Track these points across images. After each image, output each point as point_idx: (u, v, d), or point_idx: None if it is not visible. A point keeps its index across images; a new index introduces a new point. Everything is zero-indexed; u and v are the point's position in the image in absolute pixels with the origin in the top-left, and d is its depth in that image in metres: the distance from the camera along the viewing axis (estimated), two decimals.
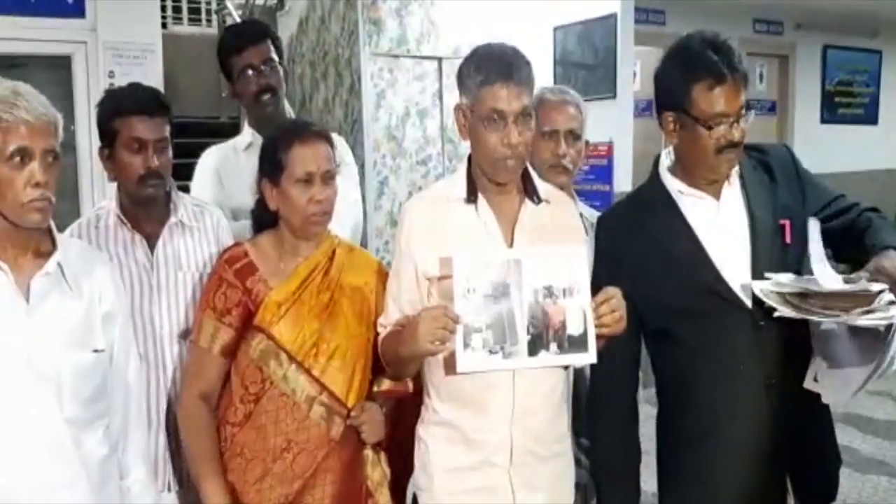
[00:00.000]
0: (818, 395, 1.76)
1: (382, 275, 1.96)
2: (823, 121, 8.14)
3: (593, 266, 1.89)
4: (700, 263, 1.79)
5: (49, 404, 1.65)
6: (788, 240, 1.82)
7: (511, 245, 1.73)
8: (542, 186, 1.83)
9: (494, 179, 1.74)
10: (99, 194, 3.82)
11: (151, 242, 2.09)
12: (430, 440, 1.80)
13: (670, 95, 1.78)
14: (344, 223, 2.36)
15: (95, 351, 1.73)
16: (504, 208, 1.76)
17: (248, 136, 2.52)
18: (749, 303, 1.77)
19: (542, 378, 1.74)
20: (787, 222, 1.82)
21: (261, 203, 1.92)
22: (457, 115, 1.74)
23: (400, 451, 1.95)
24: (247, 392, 1.84)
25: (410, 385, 1.93)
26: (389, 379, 1.90)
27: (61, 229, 1.96)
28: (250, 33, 2.54)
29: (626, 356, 1.89)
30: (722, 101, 1.71)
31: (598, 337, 1.62)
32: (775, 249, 1.80)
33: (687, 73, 1.74)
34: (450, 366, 1.67)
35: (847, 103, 8.33)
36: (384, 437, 1.94)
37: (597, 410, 1.97)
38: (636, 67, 6.61)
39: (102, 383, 1.75)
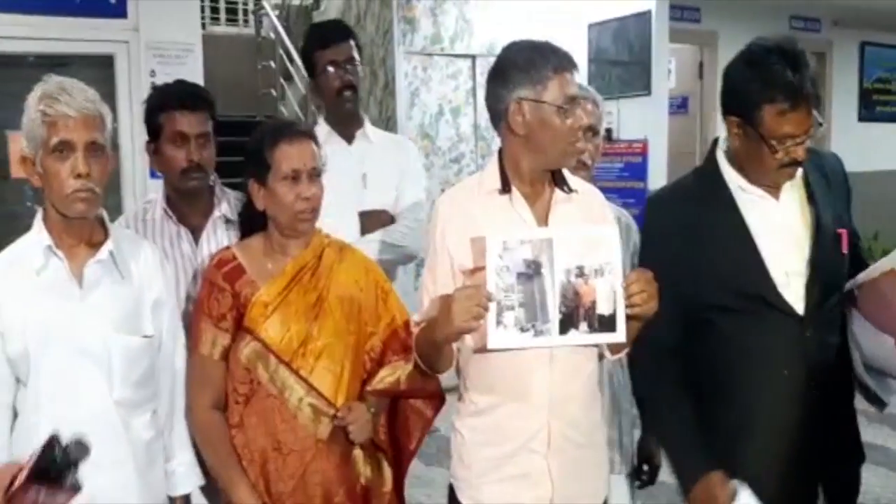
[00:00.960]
0: (853, 397, 1.74)
1: (373, 273, 1.96)
2: (861, 118, 8.03)
3: (640, 247, 1.91)
4: (754, 271, 1.75)
5: (100, 386, 1.72)
6: (845, 250, 1.78)
7: None
8: (571, 178, 1.84)
9: (561, 165, 1.76)
10: (140, 189, 3.90)
11: (196, 235, 2.15)
12: (467, 431, 1.81)
13: (738, 103, 1.74)
14: (402, 235, 2.45)
15: (144, 336, 1.80)
16: (536, 199, 1.77)
17: (323, 131, 2.54)
18: (801, 310, 1.74)
19: (579, 364, 1.76)
20: (844, 231, 1.79)
21: (248, 206, 1.91)
22: (514, 109, 1.69)
23: (399, 448, 1.97)
24: (237, 394, 1.84)
25: (404, 381, 1.90)
26: (423, 375, 1.88)
27: None
28: (336, 31, 2.61)
29: (667, 340, 1.83)
30: (792, 124, 1.68)
31: (630, 318, 1.63)
32: (835, 258, 1.77)
33: (761, 89, 1.68)
34: (481, 346, 1.68)
35: (885, 101, 8.21)
36: (384, 439, 1.95)
37: (657, 412, 1.93)
38: (671, 65, 6.58)
39: (151, 368, 1.82)
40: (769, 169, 1.74)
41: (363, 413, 1.84)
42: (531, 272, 1.61)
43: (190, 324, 1.92)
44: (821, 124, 1.73)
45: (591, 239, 1.63)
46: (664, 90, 5.56)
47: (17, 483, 1.31)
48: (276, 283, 1.84)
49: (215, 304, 1.85)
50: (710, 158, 1.88)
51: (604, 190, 2.11)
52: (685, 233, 1.82)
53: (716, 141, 1.88)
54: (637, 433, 2.38)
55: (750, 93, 1.70)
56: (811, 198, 1.80)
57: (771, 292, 1.75)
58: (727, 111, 1.77)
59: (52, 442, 1.34)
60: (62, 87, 1.66)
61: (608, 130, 5.37)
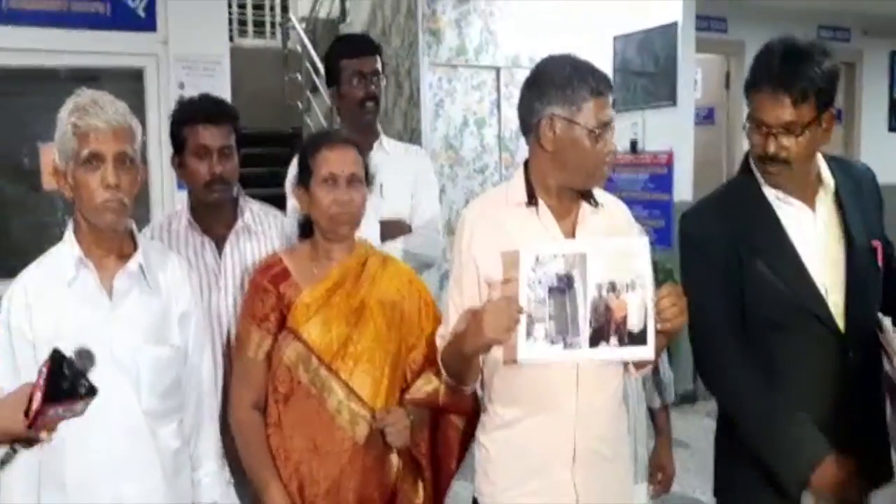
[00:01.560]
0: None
1: (416, 284, 1.99)
2: (892, 129, 7.90)
3: (684, 259, 1.90)
4: (800, 282, 1.73)
5: (128, 396, 1.74)
6: (880, 262, 1.76)
7: None
8: (596, 191, 1.83)
9: (585, 187, 1.75)
10: (169, 202, 3.93)
11: (219, 246, 2.18)
12: (492, 445, 1.80)
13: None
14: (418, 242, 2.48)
15: (172, 347, 1.82)
16: (562, 212, 1.77)
17: None
18: (842, 326, 1.71)
19: (605, 378, 1.75)
20: (877, 243, 1.76)
21: (304, 214, 1.98)
22: (545, 123, 1.69)
23: (440, 467, 1.97)
24: (277, 393, 1.87)
25: (443, 395, 1.90)
26: (449, 388, 1.89)
27: None
28: (365, 44, 2.70)
29: (731, 328, 1.79)
30: (762, 111, 1.70)
31: (658, 332, 1.61)
32: (870, 272, 1.74)
33: (748, 78, 1.75)
34: (510, 359, 1.68)
35: None
36: (421, 452, 1.94)
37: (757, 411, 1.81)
38: (697, 75, 6.53)
39: (178, 378, 1.84)
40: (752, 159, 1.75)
41: (402, 417, 1.86)
42: (563, 286, 1.60)
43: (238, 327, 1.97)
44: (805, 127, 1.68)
45: (623, 252, 1.62)
46: (690, 101, 5.51)
47: (34, 405, 1.36)
48: (320, 286, 1.89)
49: (259, 306, 1.90)
50: (745, 169, 1.86)
51: (629, 202, 2.10)
52: (730, 244, 1.80)
53: (749, 152, 1.86)
54: (651, 442, 2.38)
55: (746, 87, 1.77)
56: (841, 209, 1.78)
57: (816, 304, 1.72)
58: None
59: (57, 357, 1.37)
60: (93, 100, 1.70)
61: (633, 142, 5.34)
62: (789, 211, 1.78)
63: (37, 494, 1.74)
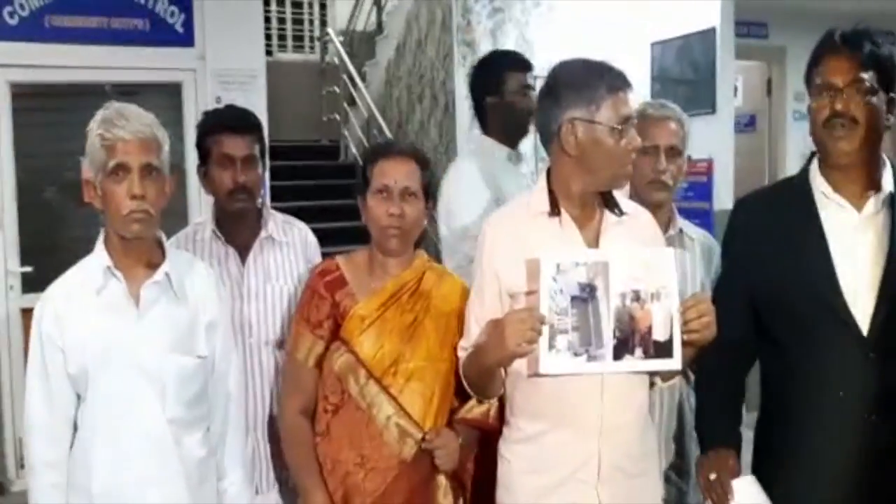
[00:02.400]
0: None
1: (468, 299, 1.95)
2: None
3: (722, 249, 1.90)
4: (824, 277, 1.69)
5: (153, 404, 1.76)
6: None
7: None
8: (622, 200, 1.80)
9: (612, 187, 1.73)
10: (206, 211, 3.97)
11: (243, 255, 2.20)
12: (513, 458, 1.77)
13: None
14: None
15: (198, 357, 1.83)
16: (586, 222, 1.73)
17: (487, 142, 2.64)
18: (865, 330, 1.67)
19: (631, 391, 1.71)
20: None
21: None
22: (566, 129, 1.66)
23: (483, 491, 1.91)
24: (327, 402, 1.85)
25: (493, 416, 1.87)
26: (476, 402, 1.87)
27: None
28: (527, 61, 2.75)
29: (734, 342, 1.78)
30: (833, 71, 1.68)
31: (686, 344, 1.57)
32: None
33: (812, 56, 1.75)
34: (532, 371, 1.65)
35: None
36: (467, 473, 1.91)
37: (701, 384, 1.95)
38: (738, 82, 6.43)
39: (204, 388, 1.85)
40: (817, 128, 1.72)
41: (452, 440, 1.83)
42: (586, 295, 1.57)
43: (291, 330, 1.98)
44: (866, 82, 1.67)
45: (647, 262, 1.58)
46: (730, 108, 5.42)
47: None
48: (376, 299, 1.86)
49: (314, 311, 1.89)
50: (805, 166, 1.84)
51: None
52: (765, 235, 1.79)
53: (813, 154, 1.81)
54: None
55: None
56: (893, 217, 1.72)
57: (837, 301, 1.68)
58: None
59: None
60: (120, 113, 1.72)
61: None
62: (832, 208, 1.74)
63: (65, 501, 1.77)
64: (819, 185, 1.76)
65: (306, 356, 1.89)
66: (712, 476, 1.75)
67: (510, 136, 2.65)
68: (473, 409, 1.88)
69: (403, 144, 2.02)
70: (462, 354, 1.80)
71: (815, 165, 1.79)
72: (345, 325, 1.85)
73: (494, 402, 1.86)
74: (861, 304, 1.68)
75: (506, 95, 2.63)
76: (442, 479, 1.88)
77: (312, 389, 1.89)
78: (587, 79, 1.66)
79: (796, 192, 1.79)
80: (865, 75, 1.66)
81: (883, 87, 1.68)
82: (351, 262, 1.94)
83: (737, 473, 1.77)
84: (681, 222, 2.22)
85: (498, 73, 2.67)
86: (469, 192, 2.51)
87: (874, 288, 1.68)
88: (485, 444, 1.92)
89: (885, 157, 1.76)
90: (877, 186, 1.73)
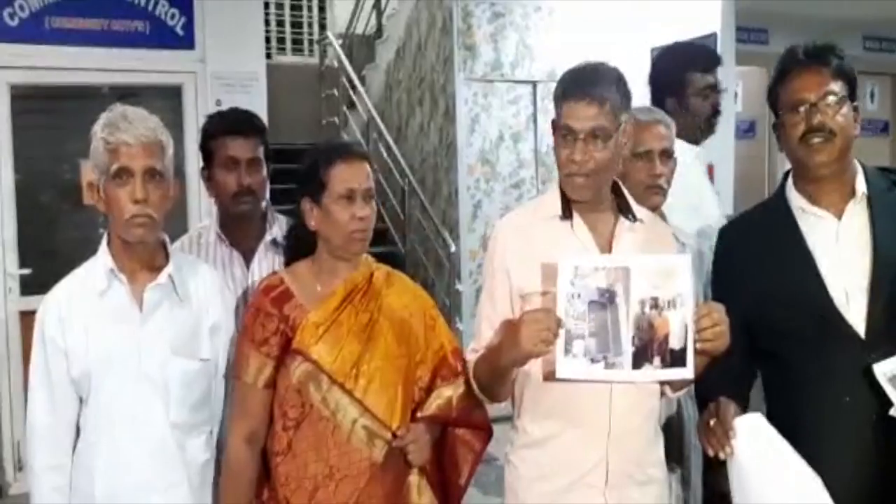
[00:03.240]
0: None
1: (421, 299, 1.93)
2: None
3: (711, 278, 1.88)
4: (813, 288, 1.71)
5: (156, 408, 1.75)
6: None
7: None
8: (635, 207, 1.79)
9: (569, 195, 1.72)
10: (206, 215, 3.97)
11: (248, 259, 2.18)
12: (521, 463, 1.76)
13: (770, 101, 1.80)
14: None
15: (202, 360, 1.82)
16: (598, 226, 1.73)
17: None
18: (863, 333, 1.68)
19: (640, 399, 1.70)
20: None
21: (294, 230, 1.91)
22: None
23: (450, 488, 1.91)
24: (287, 419, 1.78)
25: (456, 405, 1.86)
26: (474, 402, 1.85)
27: None
28: (711, 57, 2.73)
29: (732, 370, 1.78)
30: (804, 86, 1.72)
31: (699, 353, 1.55)
32: None
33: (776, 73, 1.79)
34: (548, 375, 1.64)
35: None
36: (431, 470, 1.89)
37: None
38: (738, 88, 6.42)
39: (207, 391, 1.84)
40: (793, 144, 1.75)
41: (423, 433, 1.81)
42: (604, 301, 1.55)
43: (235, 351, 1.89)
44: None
45: (665, 268, 1.56)
46: (730, 114, 5.42)
47: None
48: (328, 304, 1.81)
49: (260, 329, 1.81)
50: (781, 184, 1.86)
51: None
52: (751, 259, 1.80)
53: (789, 170, 1.84)
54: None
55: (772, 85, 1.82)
56: (872, 217, 1.75)
57: (829, 310, 1.69)
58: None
59: None
60: (124, 116, 1.71)
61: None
62: (812, 221, 1.77)
63: None
64: (795, 200, 1.79)
65: (255, 378, 1.80)
66: (712, 422, 1.68)
67: (695, 137, 2.58)
68: (433, 403, 1.86)
69: (354, 145, 1.95)
70: (472, 357, 1.79)
71: (789, 182, 1.83)
72: (298, 335, 1.79)
73: (456, 391, 1.84)
74: (855, 307, 1.70)
75: (687, 98, 2.58)
76: (414, 478, 1.85)
77: (261, 413, 1.81)
78: (559, 84, 1.72)
79: (775, 211, 1.83)
80: (835, 87, 1.71)
81: (850, 98, 1.73)
82: (294, 274, 1.87)
83: (738, 412, 1.69)
84: (673, 226, 2.22)
85: (678, 73, 2.62)
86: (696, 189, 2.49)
87: (866, 290, 1.70)
88: (442, 444, 1.92)
89: (855, 162, 1.80)
90: (852, 192, 1.77)
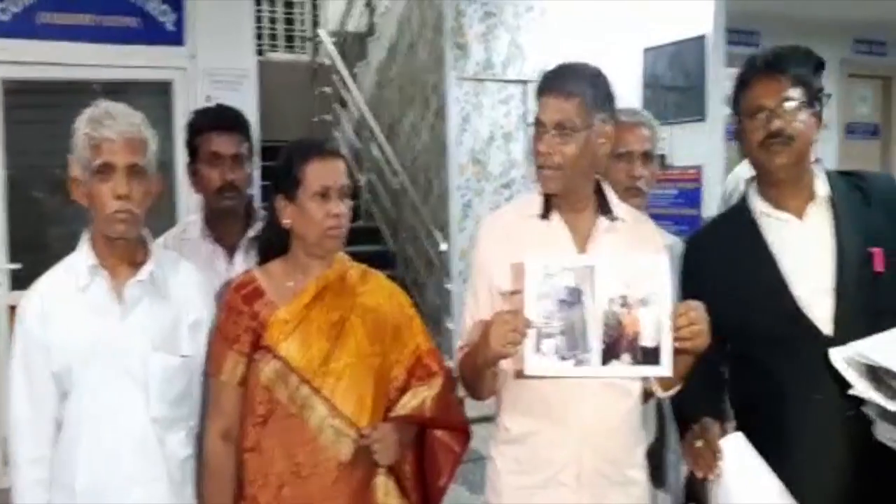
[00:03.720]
0: None
1: (397, 297, 1.93)
2: None
3: (681, 286, 1.87)
4: (777, 290, 1.74)
5: (136, 403, 1.76)
6: (880, 268, 1.74)
7: None
8: (619, 206, 1.81)
9: (541, 184, 1.74)
10: (195, 211, 3.95)
11: (231, 255, 2.20)
12: (500, 458, 1.79)
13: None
14: None
15: (182, 356, 1.82)
16: (578, 225, 1.75)
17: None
18: (830, 332, 1.71)
19: (615, 399, 1.72)
20: (878, 250, 1.75)
21: (268, 229, 1.90)
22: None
23: (428, 487, 1.90)
24: (255, 415, 1.78)
25: (430, 407, 1.85)
26: (450, 402, 1.86)
27: None
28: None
29: (705, 376, 1.80)
30: (763, 94, 1.75)
31: (679, 352, 1.57)
32: (863, 278, 1.73)
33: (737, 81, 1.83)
34: (518, 373, 1.66)
35: None
36: (411, 477, 1.88)
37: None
38: (728, 90, 6.45)
39: (188, 387, 1.84)
40: (753, 148, 1.79)
41: (389, 433, 1.79)
42: (573, 300, 1.57)
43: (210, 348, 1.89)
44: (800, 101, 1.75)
45: (636, 267, 1.58)
46: (720, 116, 5.44)
47: None
48: (298, 301, 1.81)
49: (232, 327, 1.81)
50: (745, 192, 1.90)
51: (657, 217, 2.06)
52: (717, 266, 1.83)
53: (753, 177, 1.88)
54: (684, 469, 2.30)
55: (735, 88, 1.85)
56: (836, 217, 1.79)
57: (795, 310, 1.72)
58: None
59: None
60: (107, 112, 1.72)
61: (662, 157, 5.27)
62: (774, 224, 1.80)
63: (48, 499, 1.76)
64: (758, 205, 1.82)
65: (230, 376, 1.81)
66: (698, 444, 1.70)
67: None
68: (408, 404, 1.85)
69: (329, 143, 1.94)
70: (459, 354, 1.81)
71: (752, 189, 1.86)
72: (267, 332, 1.79)
73: (431, 392, 1.84)
74: (822, 307, 1.72)
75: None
76: (381, 479, 1.84)
77: (235, 410, 1.81)
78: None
79: (737, 218, 1.87)
80: (793, 93, 1.74)
81: (809, 104, 1.75)
82: (267, 272, 1.87)
83: (723, 432, 1.72)
84: (658, 227, 2.23)
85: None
86: None
87: (831, 290, 1.73)
88: (421, 445, 1.91)
89: (813, 165, 1.83)
90: (813, 194, 1.80)
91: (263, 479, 1.77)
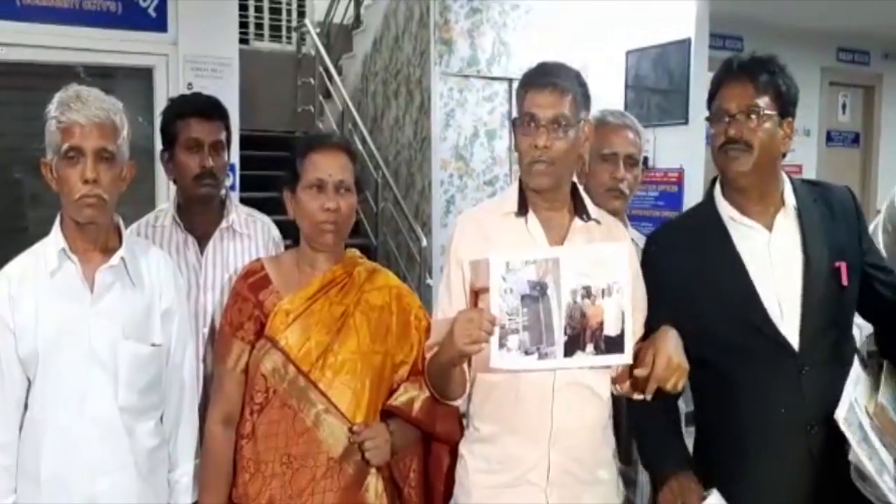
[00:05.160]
0: None
1: (407, 298, 1.92)
2: None
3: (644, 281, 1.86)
4: (747, 300, 1.73)
5: (105, 391, 1.74)
6: (845, 282, 1.75)
7: None
8: (593, 208, 1.81)
9: (528, 185, 1.73)
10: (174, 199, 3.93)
11: (202, 244, 2.18)
12: (470, 457, 1.79)
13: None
14: None
15: (153, 344, 1.80)
16: (553, 224, 1.75)
17: None
18: (796, 345, 1.71)
19: (583, 400, 1.72)
20: (843, 264, 1.75)
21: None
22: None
23: (433, 497, 1.89)
24: (253, 403, 1.79)
25: (418, 408, 1.83)
26: (438, 405, 1.83)
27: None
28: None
29: (667, 417, 1.83)
30: (727, 97, 1.73)
31: (660, 391, 1.58)
32: (829, 292, 1.74)
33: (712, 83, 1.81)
34: (482, 367, 1.66)
35: None
36: (405, 474, 1.87)
37: (636, 427, 1.91)
38: None
39: (157, 376, 1.83)
40: (714, 151, 1.78)
41: (382, 432, 1.77)
42: (536, 294, 1.57)
43: (218, 334, 1.91)
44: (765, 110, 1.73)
45: (597, 257, 1.59)
46: (702, 119, 5.48)
47: None
48: (302, 293, 1.82)
49: (237, 314, 1.83)
50: (709, 193, 1.87)
51: (638, 218, 2.05)
52: (683, 265, 1.81)
53: (715, 178, 1.86)
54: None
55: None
56: (802, 229, 1.78)
57: (764, 322, 1.72)
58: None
59: None
60: (77, 96, 1.70)
61: (644, 159, 5.29)
62: (743, 231, 1.78)
63: (14, 489, 1.74)
64: (725, 209, 1.80)
65: (235, 364, 1.82)
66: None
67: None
68: (398, 398, 1.84)
69: (335, 136, 1.91)
70: (428, 354, 1.80)
71: (717, 191, 1.84)
72: (270, 322, 1.80)
73: (420, 394, 1.83)
74: (789, 319, 1.72)
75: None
76: (373, 479, 1.82)
77: (237, 397, 1.83)
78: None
79: (704, 219, 1.84)
80: (760, 101, 1.72)
81: (779, 112, 1.73)
82: (276, 262, 1.89)
83: (702, 496, 1.71)
84: (632, 231, 2.23)
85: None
86: None
87: (798, 302, 1.73)
88: (427, 453, 1.90)
89: (783, 174, 1.83)
90: (781, 203, 1.79)
91: (255, 468, 1.77)
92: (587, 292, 1.56)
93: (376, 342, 1.83)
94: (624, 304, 1.56)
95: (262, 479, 1.77)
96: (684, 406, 2.30)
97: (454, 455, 1.86)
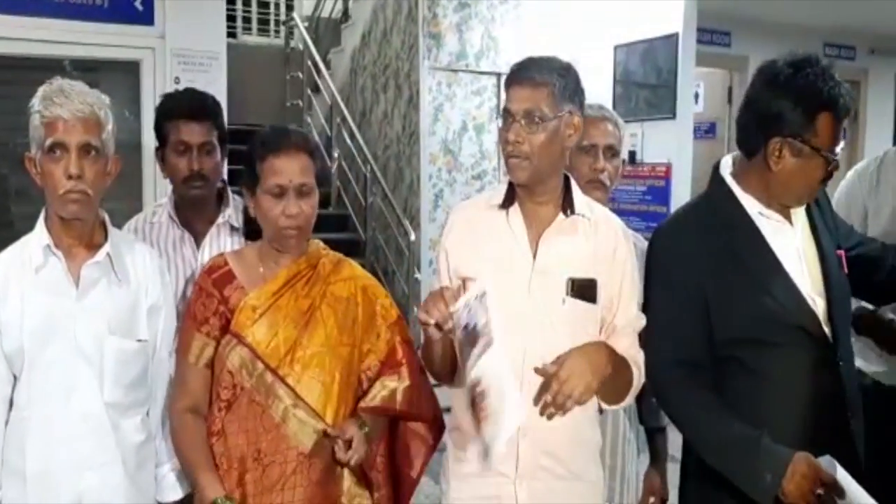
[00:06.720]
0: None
1: (372, 289, 1.90)
2: None
3: (651, 275, 1.82)
4: (790, 296, 1.70)
5: (91, 386, 1.73)
6: (846, 270, 1.77)
7: (535, 253, 1.72)
8: (585, 204, 1.80)
9: (510, 178, 1.75)
10: (161, 194, 3.91)
11: (199, 241, 2.17)
12: (450, 445, 1.83)
13: (782, 123, 1.68)
14: None
15: (139, 340, 1.80)
16: (537, 218, 1.75)
17: None
18: (830, 336, 1.70)
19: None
20: (841, 252, 1.78)
21: (247, 211, 1.86)
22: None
23: (399, 479, 1.90)
24: (220, 400, 1.76)
25: (401, 399, 1.83)
26: (422, 391, 1.85)
27: (123, 227, 2.05)
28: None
29: (697, 357, 1.73)
30: (837, 133, 1.67)
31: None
32: (843, 281, 1.74)
33: (809, 101, 1.66)
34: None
35: None
36: (379, 465, 1.87)
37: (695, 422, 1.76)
38: (699, 88, 6.51)
39: (144, 372, 1.82)
40: (815, 184, 1.70)
41: (356, 434, 1.73)
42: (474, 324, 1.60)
43: (180, 329, 1.88)
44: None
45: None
46: (689, 114, 5.49)
47: None
48: (267, 288, 1.79)
49: (201, 309, 1.79)
50: (719, 182, 1.82)
51: (626, 213, 2.06)
52: (712, 260, 1.73)
53: (716, 166, 1.83)
54: (645, 461, 2.32)
55: (794, 108, 1.66)
56: (812, 222, 1.80)
57: (811, 321, 1.70)
58: (771, 134, 1.69)
59: None
60: (61, 90, 1.68)
61: (632, 153, 5.32)
62: (770, 225, 1.76)
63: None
64: (752, 204, 1.76)
65: (197, 357, 1.79)
66: (819, 491, 1.56)
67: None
68: (378, 395, 1.83)
69: (293, 135, 1.81)
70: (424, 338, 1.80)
71: (735, 184, 1.78)
72: (235, 317, 1.77)
73: (401, 384, 1.83)
74: (819, 311, 1.72)
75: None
76: (344, 471, 1.81)
77: (202, 391, 1.79)
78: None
79: (731, 212, 1.77)
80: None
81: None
82: (239, 257, 1.86)
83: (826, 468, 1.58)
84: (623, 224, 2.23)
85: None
86: None
87: (823, 293, 1.72)
88: (394, 437, 1.91)
89: None
90: None
91: (228, 464, 1.75)
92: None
93: (344, 334, 1.82)
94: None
95: (234, 475, 1.74)
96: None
97: (425, 439, 1.91)
